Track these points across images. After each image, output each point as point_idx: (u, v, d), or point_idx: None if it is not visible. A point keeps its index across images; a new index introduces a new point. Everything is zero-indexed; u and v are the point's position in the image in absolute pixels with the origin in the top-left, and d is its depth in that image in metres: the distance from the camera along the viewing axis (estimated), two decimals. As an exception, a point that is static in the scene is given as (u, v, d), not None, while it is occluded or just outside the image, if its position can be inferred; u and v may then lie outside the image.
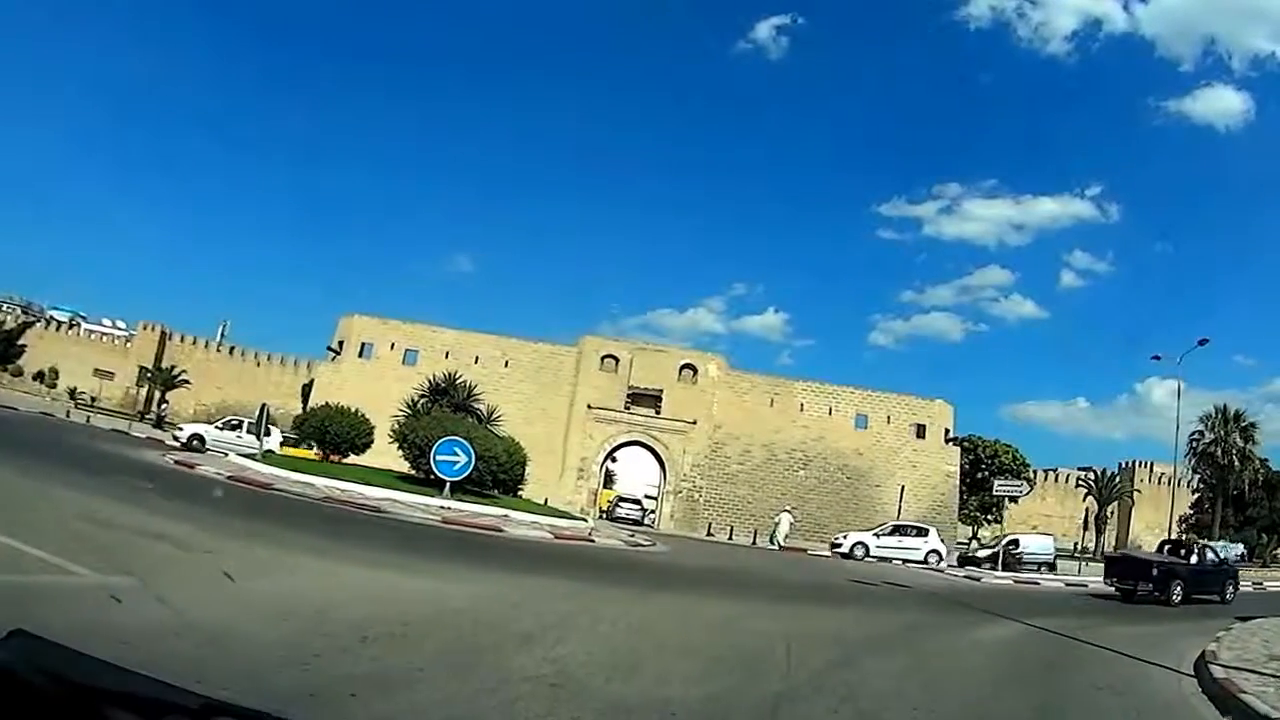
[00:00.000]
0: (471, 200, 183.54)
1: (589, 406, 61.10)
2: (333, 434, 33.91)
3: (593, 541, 24.65)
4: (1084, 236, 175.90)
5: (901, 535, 40.92)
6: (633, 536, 29.55)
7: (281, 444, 40.49)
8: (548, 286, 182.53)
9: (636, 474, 74.56)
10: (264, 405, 33.75)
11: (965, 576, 31.94)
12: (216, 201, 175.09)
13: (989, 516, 77.25)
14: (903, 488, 54.17)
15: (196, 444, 38.12)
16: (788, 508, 49.65)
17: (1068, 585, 32.80)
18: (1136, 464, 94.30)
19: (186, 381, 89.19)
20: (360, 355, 63.85)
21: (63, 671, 1.77)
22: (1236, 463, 59.89)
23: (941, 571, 34.76)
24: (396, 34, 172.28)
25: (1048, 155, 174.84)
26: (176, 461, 26.94)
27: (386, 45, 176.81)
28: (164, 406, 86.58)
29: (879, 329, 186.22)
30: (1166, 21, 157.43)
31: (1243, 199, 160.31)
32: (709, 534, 53.00)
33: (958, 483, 62.22)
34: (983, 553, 42.34)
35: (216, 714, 1.80)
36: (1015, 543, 42.08)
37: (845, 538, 40.98)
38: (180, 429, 42.01)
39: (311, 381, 69.26)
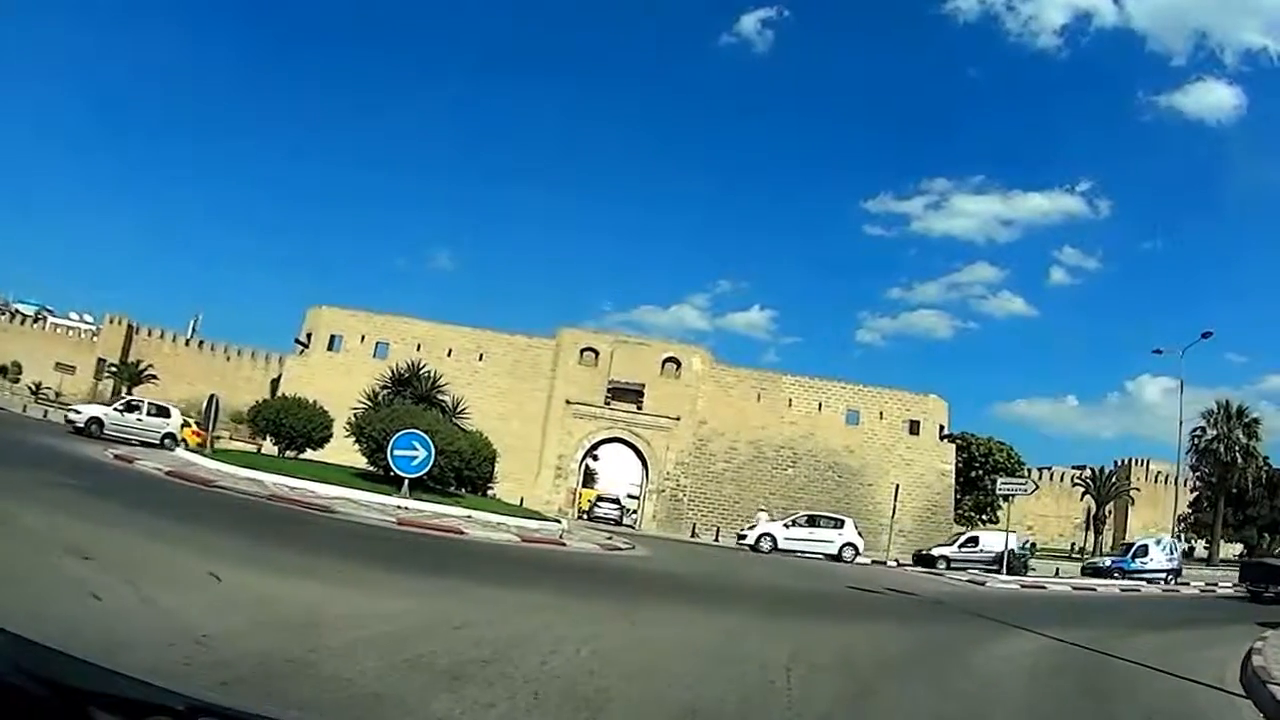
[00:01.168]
0: (451, 195, 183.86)
1: (567, 402, 59.52)
2: (288, 427, 32.19)
3: (565, 545, 22.99)
4: (1074, 233, 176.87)
5: (814, 526, 39.22)
6: (610, 539, 27.94)
7: (183, 427, 38.00)
8: (529, 282, 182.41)
9: (618, 472, 73.32)
10: (213, 396, 32.07)
11: (969, 581, 30.50)
12: (190, 194, 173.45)
13: (984, 517, 76.24)
14: (897, 486, 52.68)
15: (95, 428, 34.91)
16: (763, 506, 48.33)
17: (1074, 589, 31.57)
18: (1133, 462, 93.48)
19: (154, 377, 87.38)
20: (329, 348, 62.17)
21: (45, 672, 1.78)
22: (1240, 459, 58.77)
23: (942, 575, 33.30)
24: (377, 26, 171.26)
25: (1037, 150, 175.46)
26: (116, 456, 25.15)
27: (363, 36, 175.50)
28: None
29: (866, 326, 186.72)
30: (1157, 15, 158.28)
31: (1235, 195, 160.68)
32: (693, 534, 51.59)
33: (953, 481, 60.88)
34: (938, 550, 40.75)
35: (202, 714, 1.84)
36: (975, 540, 41.02)
37: (751, 528, 40.22)
38: (78, 411, 37.58)
39: (280, 376, 67.39)
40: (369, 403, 31.53)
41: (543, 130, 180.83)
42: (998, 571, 37.32)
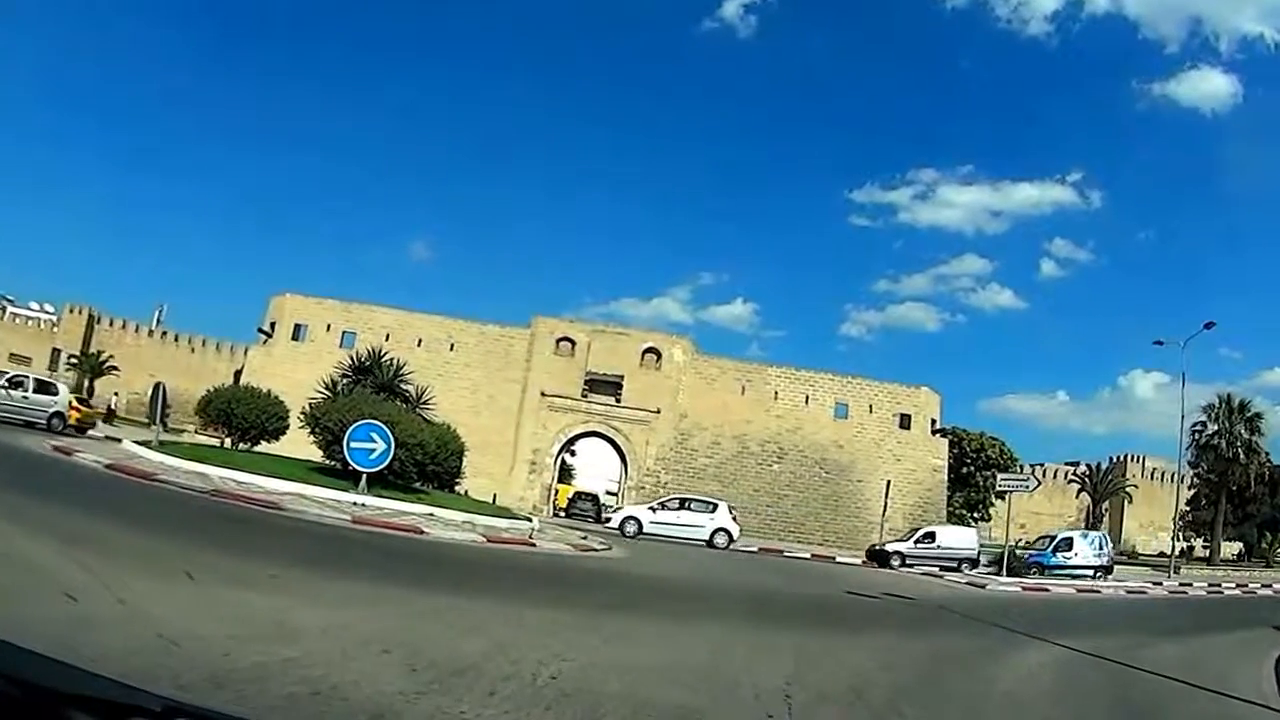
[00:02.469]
0: (427, 187, 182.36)
1: (543, 394, 58.27)
2: (240, 418, 30.79)
3: (534, 546, 21.71)
4: (1065, 224, 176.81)
5: (684, 510, 37.55)
6: (585, 539, 26.68)
7: (70, 404, 35.25)
8: (506, 274, 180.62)
9: (597, 467, 72.08)
10: (159, 384, 30.59)
11: (968, 584, 29.53)
12: (159, 185, 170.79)
13: (975, 514, 75.58)
14: (889, 483, 51.69)
15: None
16: (723, 501, 47.00)
17: (1079, 591, 30.67)
18: (1128, 458, 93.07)
19: (114, 368, 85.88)
20: (294, 338, 60.68)
21: (20, 673, 1.80)
22: (1242, 456, 58.04)
23: (939, 577, 32.23)
24: (347, 18, 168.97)
25: (1027, 140, 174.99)
26: (55, 447, 23.77)
27: (337, 28, 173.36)
28: (92, 394, 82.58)
29: (852, 319, 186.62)
30: (1151, 1, 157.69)
31: (1230, 186, 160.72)
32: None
33: (946, 478, 60.01)
34: (893, 545, 39.61)
35: (178, 715, 1.88)
36: (931, 535, 39.79)
37: (615, 512, 39.79)
38: None
39: (244, 367, 65.81)
40: (328, 392, 30.16)
41: (520, 120, 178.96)
42: (956, 571, 36.69)
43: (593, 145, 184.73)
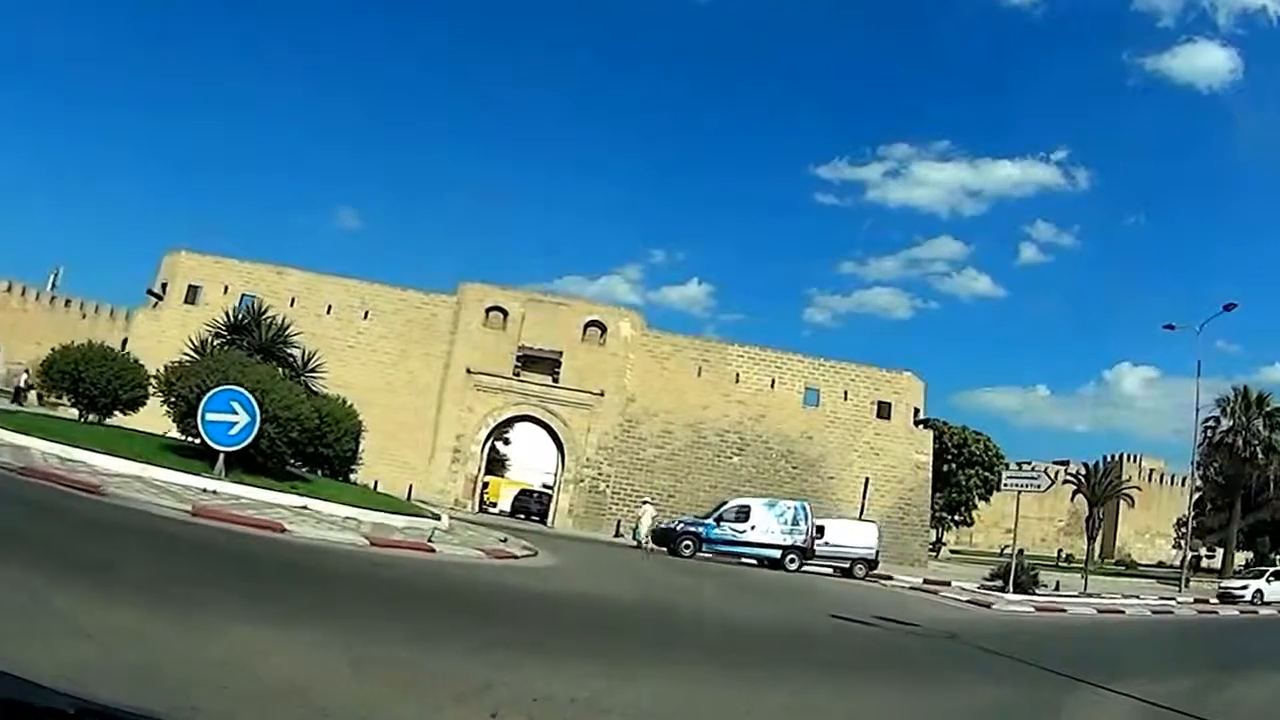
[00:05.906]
0: (357, 153, 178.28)
1: (469, 370, 54.82)
2: (88, 383, 27.35)
3: (434, 550, 18.52)
4: (1048, 206, 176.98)
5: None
6: (504, 542, 23.59)
7: None
8: (437, 246, 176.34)
9: (534, 457, 69.14)
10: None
11: (970, 602, 26.88)
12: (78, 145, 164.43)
13: (956, 517, 73.71)
14: (867, 480, 49.18)
15: None
16: (648, 499, 44.38)
17: (1099, 612, 28.28)
18: (1124, 458, 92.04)
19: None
20: (187, 301, 56.69)
21: None
22: (1260, 455, 56.38)
23: (935, 594, 29.68)
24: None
25: (1008, 115, 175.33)
26: None
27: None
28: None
29: (816, 304, 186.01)
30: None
31: (1227, 167, 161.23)
32: (617, 533, 47.45)
33: (930, 475, 57.59)
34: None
35: (93, 717, 1.93)
36: (820, 530, 36.96)
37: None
38: None
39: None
40: (195, 354, 26.72)
41: (460, 87, 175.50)
42: (849, 574, 34.95)
43: (535, 112, 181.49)
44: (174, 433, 23.98)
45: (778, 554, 34.59)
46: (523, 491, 61.99)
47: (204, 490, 18.59)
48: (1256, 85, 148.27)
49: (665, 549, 34.49)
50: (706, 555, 33.98)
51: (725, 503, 38.17)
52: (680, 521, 37.45)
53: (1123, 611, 29.41)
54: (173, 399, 22.78)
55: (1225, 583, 42.33)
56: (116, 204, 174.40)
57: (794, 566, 34.35)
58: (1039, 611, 26.43)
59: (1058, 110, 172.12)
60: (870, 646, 14.97)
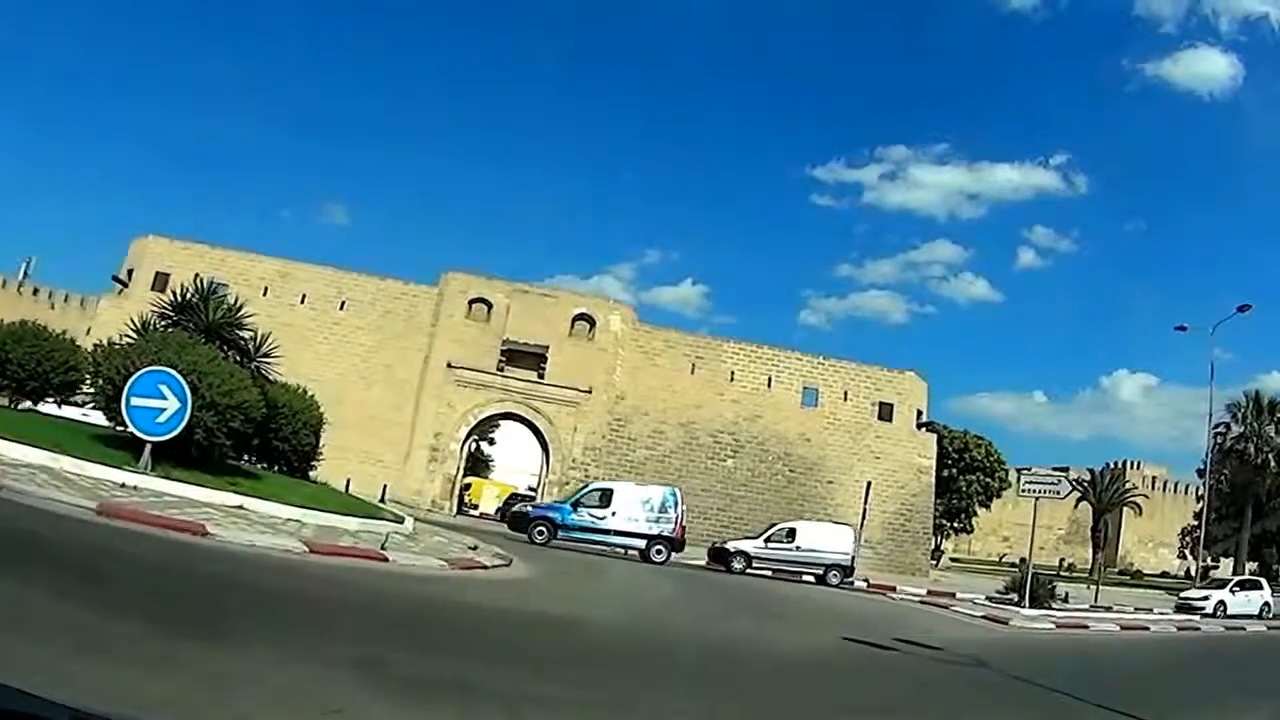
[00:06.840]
0: (347, 148, 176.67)
1: (449, 365, 52.45)
2: (15, 365, 24.87)
3: (387, 560, 16.04)
4: (1047, 210, 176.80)
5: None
6: (475, 549, 21.19)
7: None
8: (426, 243, 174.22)
9: (517, 457, 67.12)
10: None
11: (985, 618, 24.60)
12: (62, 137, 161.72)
13: (955, 524, 71.59)
14: (869, 484, 46.88)
15: None
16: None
17: (1122, 629, 26.09)
18: (1127, 465, 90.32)
19: (-47, 325, 79.58)
20: (154, 288, 53.93)
21: None
22: (1272, 462, 54.61)
23: (945, 609, 27.47)
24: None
25: (1008, 118, 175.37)
26: None
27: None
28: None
29: (811, 307, 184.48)
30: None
31: (1227, 174, 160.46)
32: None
33: (934, 480, 55.37)
34: (734, 544, 35.20)
35: None
36: (791, 533, 35.07)
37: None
38: None
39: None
40: (137, 335, 24.26)
41: (452, 88, 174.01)
42: (823, 580, 33.36)
43: (528, 111, 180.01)
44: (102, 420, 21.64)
45: (642, 544, 32.46)
46: (513, 495, 59.41)
47: (121, 485, 16.19)
48: (1257, 92, 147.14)
49: (524, 535, 31.91)
50: (561, 542, 31.70)
51: (586, 486, 35.88)
52: (533, 505, 35.70)
53: (1148, 628, 27.52)
54: (100, 381, 20.46)
55: (1185, 593, 39.79)
56: (98, 196, 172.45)
57: (661, 559, 31.99)
58: (1059, 629, 24.41)
59: (1058, 115, 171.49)
60: (895, 677, 12.73)
